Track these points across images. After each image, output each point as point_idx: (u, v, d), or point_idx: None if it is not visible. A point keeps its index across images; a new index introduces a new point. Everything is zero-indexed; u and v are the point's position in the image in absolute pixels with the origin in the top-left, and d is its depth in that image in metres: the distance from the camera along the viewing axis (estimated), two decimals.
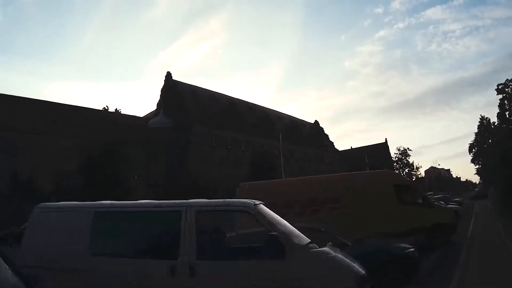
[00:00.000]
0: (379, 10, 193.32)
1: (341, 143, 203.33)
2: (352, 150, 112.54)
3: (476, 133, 71.78)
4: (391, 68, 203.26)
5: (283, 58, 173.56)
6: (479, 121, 69.14)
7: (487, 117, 67.73)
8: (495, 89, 56.97)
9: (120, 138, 40.30)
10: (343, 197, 14.82)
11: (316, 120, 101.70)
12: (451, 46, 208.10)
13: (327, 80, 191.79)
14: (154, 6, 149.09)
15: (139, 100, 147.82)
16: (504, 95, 56.31)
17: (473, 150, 73.89)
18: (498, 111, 54.27)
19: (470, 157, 77.83)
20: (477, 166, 78.23)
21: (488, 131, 66.92)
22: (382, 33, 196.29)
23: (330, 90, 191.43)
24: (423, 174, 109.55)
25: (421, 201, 16.94)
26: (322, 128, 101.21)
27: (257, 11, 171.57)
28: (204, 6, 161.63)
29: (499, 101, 52.69)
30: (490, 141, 65.76)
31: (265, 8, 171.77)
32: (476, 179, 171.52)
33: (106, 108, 65.89)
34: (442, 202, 27.32)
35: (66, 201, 7.70)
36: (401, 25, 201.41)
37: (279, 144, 77.73)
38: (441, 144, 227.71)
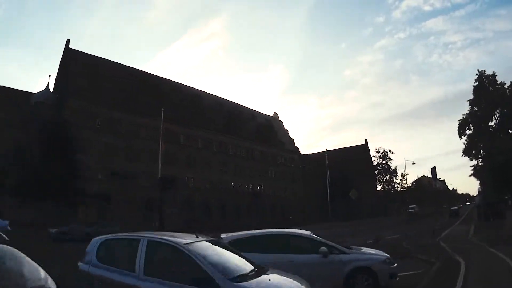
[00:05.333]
0: (380, 19, 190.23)
1: None
2: (326, 152, 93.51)
3: (471, 101, 42.10)
4: (391, 78, 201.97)
5: (284, 63, 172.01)
6: (476, 79, 39.61)
7: (488, 74, 41.14)
8: None
9: None
10: None
11: (275, 112, 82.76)
12: (452, 57, 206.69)
13: (327, 88, 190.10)
14: (153, 8, 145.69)
15: None
16: None
17: (467, 130, 43.12)
18: None
19: (468, 167, 50.89)
20: (475, 162, 46.54)
21: (493, 95, 39.94)
22: (382, 42, 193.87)
23: (331, 98, 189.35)
24: (409, 183, 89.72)
25: None
26: (282, 122, 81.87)
27: (258, 16, 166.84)
28: (204, 9, 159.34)
29: None
30: (498, 112, 39.76)
31: (266, 14, 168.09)
32: (474, 190, 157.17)
33: None
34: None
35: None
36: (402, 35, 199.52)
37: (201, 132, 58.98)
38: (440, 156, 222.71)
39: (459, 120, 42.69)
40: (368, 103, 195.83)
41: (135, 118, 51.90)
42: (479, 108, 40.57)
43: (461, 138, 42.96)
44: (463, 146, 43.96)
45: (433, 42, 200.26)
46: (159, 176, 38.66)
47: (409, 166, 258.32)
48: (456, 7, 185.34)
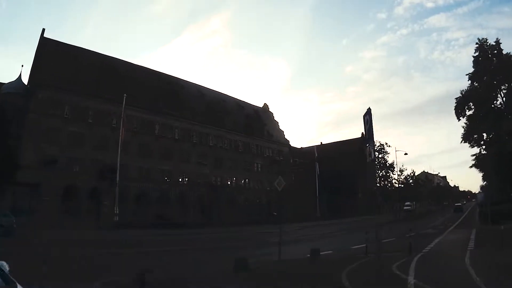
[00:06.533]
0: (383, 15, 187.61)
1: None
2: (321, 146, 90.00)
3: (470, 75, 34.79)
4: (393, 74, 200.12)
5: (285, 60, 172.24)
6: (476, 49, 34.26)
7: (491, 44, 33.84)
8: None
9: None
10: None
11: (265, 103, 78.15)
12: (455, 54, 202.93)
13: (329, 84, 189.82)
14: (155, 2, 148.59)
15: None
16: None
17: (466, 110, 35.45)
18: None
19: (469, 161, 43.00)
20: (477, 150, 38.28)
21: (497, 67, 32.75)
22: (385, 38, 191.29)
23: (332, 94, 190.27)
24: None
25: None
26: (272, 114, 77.27)
27: (259, 12, 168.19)
28: (206, 4, 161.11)
29: None
30: (504, 88, 33.38)
31: (268, 10, 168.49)
32: (475, 186, 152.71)
33: None
34: None
35: None
36: (404, 31, 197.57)
37: (178, 122, 54.50)
38: (442, 153, 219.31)
39: (456, 98, 36.37)
40: (370, 99, 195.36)
41: (106, 106, 47.87)
42: (480, 84, 34.28)
43: (459, 119, 35.72)
44: (462, 131, 37.03)
45: (436, 39, 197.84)
46: (118, 166, 34.49)
47: (413, 164, 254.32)
48: (459, 4, 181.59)
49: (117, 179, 33.86)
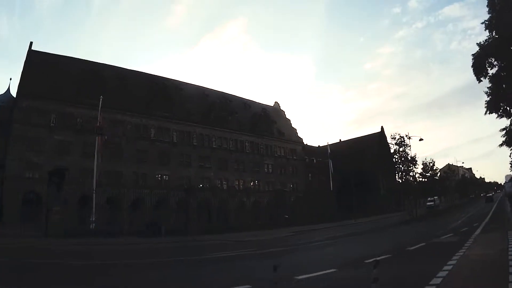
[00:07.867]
0: (397, 10, 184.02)
1: None
2: (339, 143, 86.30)
3: (486, 23, 26.00)
4: (412, 69, 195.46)
5: (304, 63, 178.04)
6: None
7: None
8: None
9: None
10: None
11: (276, 102, 74.95)
12: (471, 43, 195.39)
13: (349, 82, 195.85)
14: (171, 14, 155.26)
15: None
16: None
17: (488, 69, 26.17)
18: None
19: (496, 155, 33.22)
20: (508, 121, 28.31)
21: None
22: (401, 33, 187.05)
23: (353, 93, 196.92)
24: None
25: None
26: (284, 112, 73.89)
27: (277, 16, 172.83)
28: (224, 10, 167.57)
29: None
30: None
31: (285, 14, 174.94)
32: (501, 177, 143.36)
33: None
34: None
35: None
36: (419, 24, 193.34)
37: (176, 125, 51.88)
38: (466, 144, 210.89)
39: (473, 54, 27.45)
40: (391, 95, 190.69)
41: (95, 113, 45.57)
42: (502, 32, 25.19)
43: (480, 81, 26.19)
44: (486, 98, 27.97)
45: (452, 29, 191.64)
46: (95, 173, 32.05)
47: (439, 157, 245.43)
48: None
49: (94, 185, 31.46)
